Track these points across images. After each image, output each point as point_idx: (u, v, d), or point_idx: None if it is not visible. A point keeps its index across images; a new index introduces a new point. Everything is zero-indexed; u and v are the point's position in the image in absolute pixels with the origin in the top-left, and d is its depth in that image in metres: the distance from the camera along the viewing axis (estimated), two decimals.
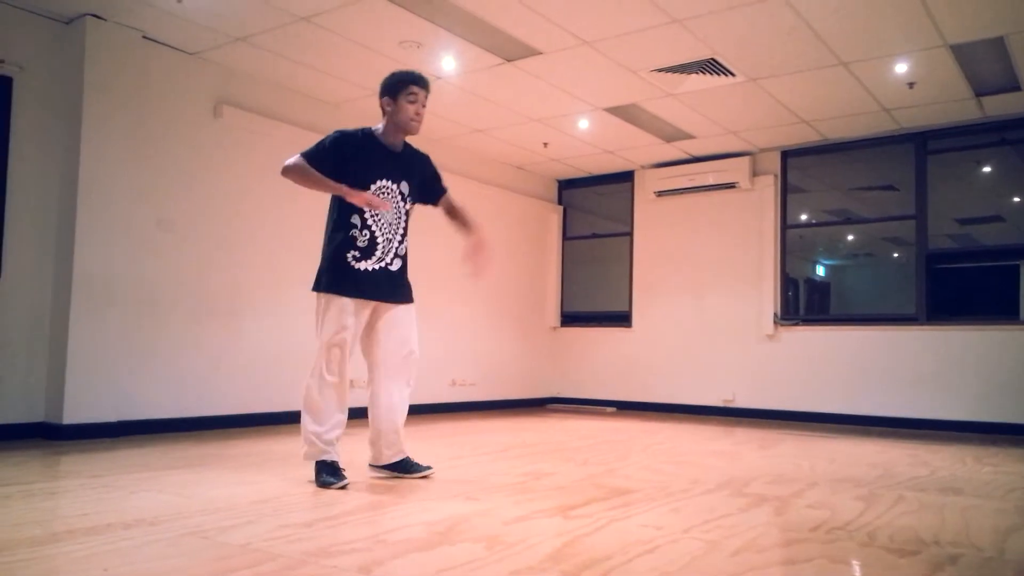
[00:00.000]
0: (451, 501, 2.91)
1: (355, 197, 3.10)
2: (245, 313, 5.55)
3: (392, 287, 3.27)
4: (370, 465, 3.41)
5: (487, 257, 3.38)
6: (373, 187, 3.20)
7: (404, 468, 3.37)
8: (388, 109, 3.27)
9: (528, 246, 8.48)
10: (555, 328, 8.72)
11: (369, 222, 3.19)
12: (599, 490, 3.22)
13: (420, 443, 4.73)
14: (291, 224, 5.76)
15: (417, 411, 6.79)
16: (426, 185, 3.45)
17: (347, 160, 3.18)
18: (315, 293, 3.21)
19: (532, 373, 8.43)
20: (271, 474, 3.43)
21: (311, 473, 3.25)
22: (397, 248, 3.29)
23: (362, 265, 3.17)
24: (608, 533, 2.43)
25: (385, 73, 3.37)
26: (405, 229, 3.34)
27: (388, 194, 3.24)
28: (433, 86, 5.73)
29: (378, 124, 3.34)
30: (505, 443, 4.92)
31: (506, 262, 8.14)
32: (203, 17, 4.71)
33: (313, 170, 3.13)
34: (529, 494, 3.09)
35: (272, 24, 4.79)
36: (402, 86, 3.24)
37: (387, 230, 3.24)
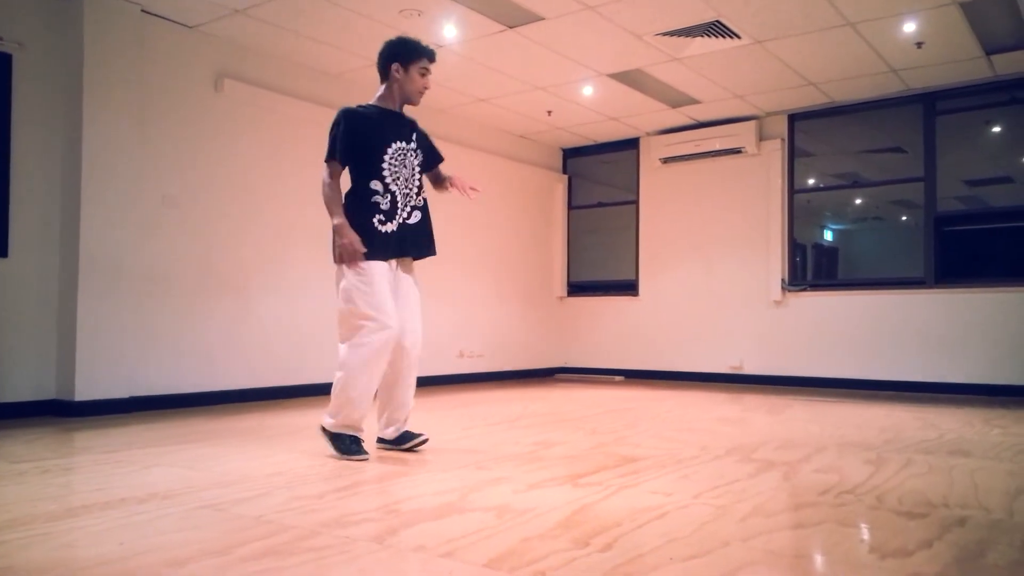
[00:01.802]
0: (461, 471, 2.93)
1: (347, 252, 3.12)
2: (253, 287, 5.56)
3: (414, 240, 3.32)
4: (379, 439, 3.41)
5: (468, 180, 3.49)
6: (390, 150, 3.24)
7: (403, 439, 3.37)
8: (397, 76, 3.29)
9: (533, 216, 8.44)
10: (562, 298, 8.71)
11: (389, 184, 3.24)
12: (608, 458, 3.24)
13: (429, 414, 4.76)
14: (297, 197, 5.74)
15: (425, 383, 6.85)
16: (426, 147, 3.46)
17: (360, 134, 3.21)
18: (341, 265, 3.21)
19: (539, 343, 8.44)
20: (282, 447, 3.46)
21: (323, 445, 3.27)
22: (415, 201, 3.34)
23: (386, 228, 3.22)
24: (618, 500, 2.44)
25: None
26: (420, 182, 3.39)
27: (404, 154, 3.29)
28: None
29: (376, 92, 3.35)
30: (514, 413, 4.95)
31: (512, 233, 8.12)
32: None
33: (335, 197, 3.19)
34: (539, 463, 3.11)
35: None
36: (416, 57, 3.28)
37: (404, 186, 3.29)
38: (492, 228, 7.85)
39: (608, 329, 8.35)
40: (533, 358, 8.35)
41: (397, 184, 3.26)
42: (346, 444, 3.16)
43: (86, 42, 4.64)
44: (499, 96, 6.77)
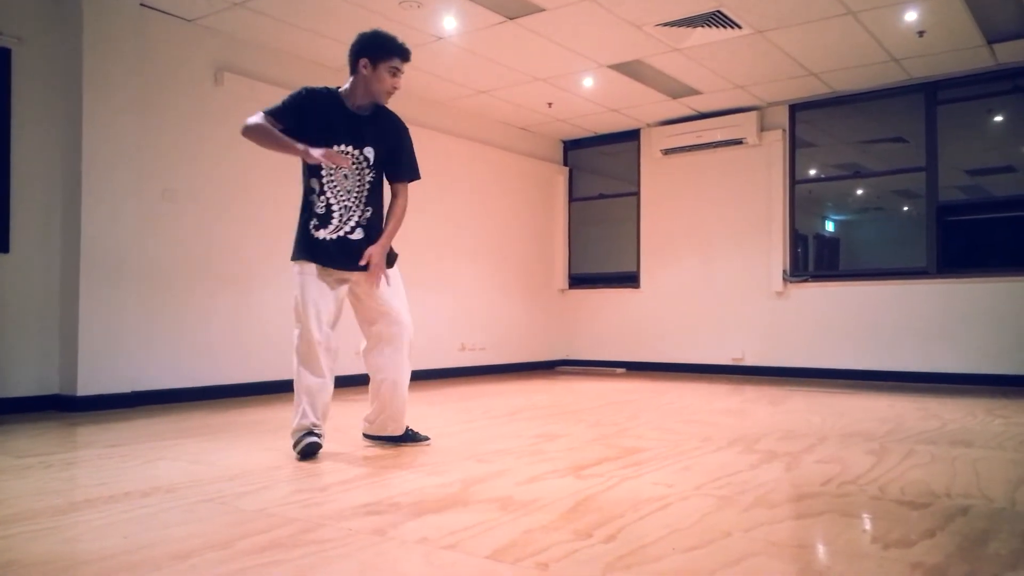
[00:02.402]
0: (464, 463, 2.93)
1: (310, 156, 2.90)
2: (254, 281, 5.56)
3: (354, 257, 3.07)
4: (365, 435, 3.37)
5: (375, 269, 3.10)
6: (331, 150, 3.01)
7: (405, 439, 3.33)
8: (364, 72, 3.06)
9: (534, 208, 8.43)
10: (563, 290, 8.71)
11: (325, 189, 3.03)
12: (610, 450, 3.24)
13: (431, 408, 4.77)
14: (297, 190, 5.72)
15: (426, 376, 6.87)
16: (392, 156, 3.19)
17: (308, 118, 3.02)
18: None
19: (541, 336, 8.45)
20: (284, 441, 3.46)
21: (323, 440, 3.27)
22: (359, 217, 3.09)
23: (321, 234, 3.05)
24: (620, 491, 2.45)
25: None
26: (370, 197, 3.12)
27: (349, 160, 3.05)
28: (434, 47, 5.72)
29: (345, 84, 3.13)
30: (516, 406, 4.95)
31: (513, 225, 8.11)
32: None
33: (272, 129, 2.97)
34: (541, 455, 3.12)
35: None
36: (387, 55, 3.05)
37: (344, 197, 3.06)
38: (493, 221, 7.84)
39: (609, 321, 8.35)
40: (534, 351, 8.35)
41: (334, 192, 3.04)
42: (299, 440, 3.05)
43: (85, 36, 4.63)
44: (499, 88, 6.75)
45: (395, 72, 3.10)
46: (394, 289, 3.21)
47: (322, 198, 3.05)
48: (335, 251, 3.07)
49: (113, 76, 4.75)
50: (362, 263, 3.07)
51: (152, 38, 5.02)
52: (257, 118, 3.02)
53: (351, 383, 5.11)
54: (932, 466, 2.89)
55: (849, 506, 2.28)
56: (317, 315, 3.05)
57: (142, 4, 4.92)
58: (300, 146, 2.94)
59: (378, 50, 3.06)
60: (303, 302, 3.06)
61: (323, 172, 3.03)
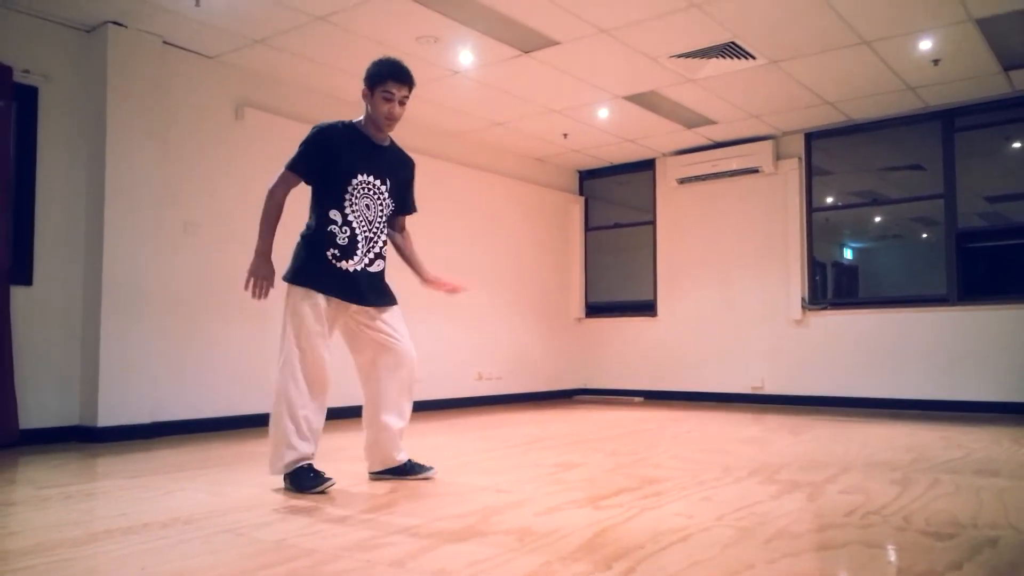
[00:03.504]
0: (482, 493, 2.91)
1: (248, 275, 3.03)
2: (274, 312, 5.58)
3: (374, 290, 3.08)
4: (371, 473, 3.22)
5: (450, 282, 3.28)
6: (355, 181, 3.01)
7: (408, 470, 3.21)
8: (364, 100, 3.06)
9: (551, 238, 8.46)
10: (580, 319, 8.70)
11: (350, 219, 3.01)
12: (629, 480, 3.21)
13: (448, 437, 4.75)
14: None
15: (443, 406, 6.85)
16: (403, 189, 3.23)
17: (327, 155, 3.01)
18: (287, 284, 3.02)
19: (558, 365, 8.42)
20: None
21: (343, 469, 3.26)
22: (379, 248, 3.12)
23: (343, 265, 3.00)
24: (640, 522, 2.42)
25: None
26: (384, 227, 3.15)
27: (370, 190, 3.06)
28: (450, 81, 5.79)
29: (360, 115, 3.15)
30: (533, 435, 4.92)
31: (529, 255, 8.14)
32: (221, 20, 4.75)
33: (274, 219, 3.03)
34: (559, 485, 3.09)
35: (290, 25, 4.81)
36: (378, 80, 3.00)
37: (367, 228, 3.06)
38: (509, 250, 7.87)
39: (627, 350, 8.31)
40: (551, 380, 8.32)
41: (358, 221, 3.02)
42: (307, 478, 2.93)
43: (109, 73, 4.74)
44: (515, 120, 6.82)
45: (388, 97, 3.00)
46: (400, 327, 3.17)
47: (345, 228, 3.01)
48: (360, 282, 3.03)
49: (136, 112, 4.85)
50: (444, 288, 3.27)
51: (174, 75, 5.13)
52: (279, 182, 3.04)
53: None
54: (958, 496, 2.83)
55: (873, 537, 2.24)
56: (321, 348, 2.99)
57: (165, 42, 5.03)
58: (264, 244, 3.05)
59: (372, 77, 3.03)
60: (310, 331, 2.96)
61: (346, 202, 3.01)
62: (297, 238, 3.13)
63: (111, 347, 4.66)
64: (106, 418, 4.61)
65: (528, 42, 5.14)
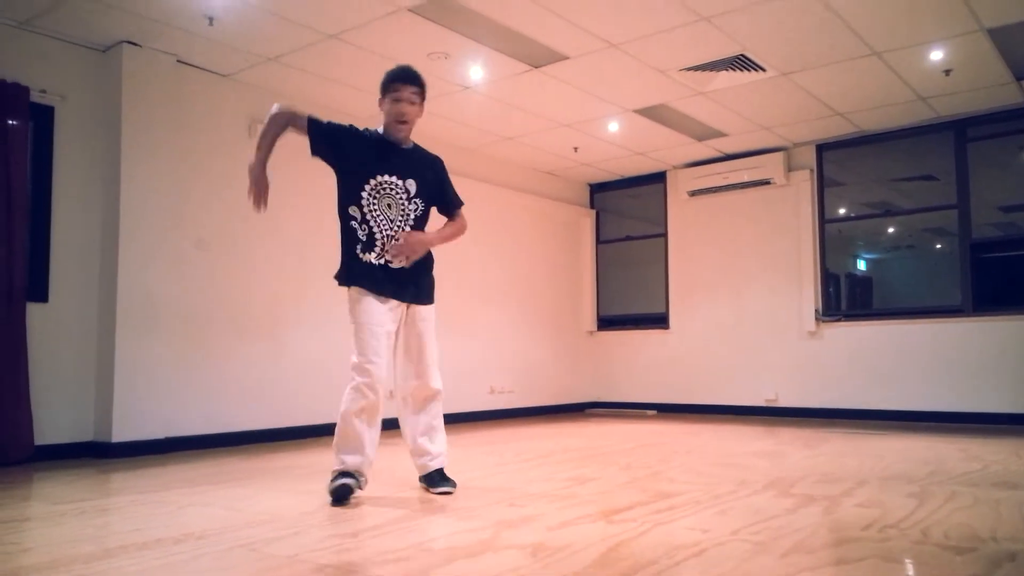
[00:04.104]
0: (495, 508, 2.90)
1: (251, 170, 3.07)
2: (286, 326, 5.62)
3: (399, 285, 3.13)
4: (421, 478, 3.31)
5: (403, 248, 3.13)
6: (373, 181, 3.07)
7: (430, 481, 3.26)
8: (381, 109, 3.18)
9: (562, 251, 8.46)
10: (592, 332, 8.68)
11: (367, 216, 3.08)
12: (643, 493, 3.19)
13: (461, 451, 4.74)
14: (327, 237, 5.80)
15: (456, 419, 6.84)
16: (439, 190, 3.29)
17: (348, 148, 3.11)
18: (344, 288, 3.15)
19: (570, 378, 8.40)
20: (317, 486, 3.46)
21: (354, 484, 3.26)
22: None
23: (367, 257, 3.09)
24: (653, 537, 2.40)
25: None
26: (414, 228, 3.17)
27: (392, 189, 3.10)
28: (461, 96, 5.82)
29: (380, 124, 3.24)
30: (546, 449, 4.91)
31: (541, 268, 8.14)
32: (234, 39, 4.80)
33: (281, 128, 3.08)
34: (572, 499, 3.08)
35: (302, 43, 4.86)
36: (387, 84, 3.13)
37: (387, 226, 3.10)
38: (521, 264, 7.88)
39: (639, 363, 8.28)
40: (564, 393, 8.30)
41: (376, 221, 3.08)
42: (333, 480, 3.04)
43: (124, 92, 4.79)
44: (526, 134, 6.84)
45: (396, 98, 3.09)
46: (430, 341, 3.22)
47: (364, 226, 3.09)
48: (386, 276, 3.09)
49: (150, 130, 4.90)
50: (394, 248, 3.07)
51: (188, 93, 5.19)
52: (288, 110, 3.09)
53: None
54: (976, 509, 2.80)
55: (891, 551, 2.22)
56: (381, 338, 3.04)
57: (179, 61, 5.09)
58: (259, 158, 3.05)
59: (382, 84, 3.16)
60: (366, 323, 3.03)
61: (363, 200, 3.08)
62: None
63: (125, 363, 4.69)
64: (120, 433, 4.63)
65: (538, 57, 5.17)
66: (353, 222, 3.10)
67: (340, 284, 3.16)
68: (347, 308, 3.14)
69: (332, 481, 3.05)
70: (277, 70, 5.28)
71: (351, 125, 3.20)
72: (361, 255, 3.09)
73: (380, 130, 3.22)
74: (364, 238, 3.09)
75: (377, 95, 3.19)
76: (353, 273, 3.10)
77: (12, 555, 2.29)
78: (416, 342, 3.20)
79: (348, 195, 3.11)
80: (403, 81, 3.11)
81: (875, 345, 6.82)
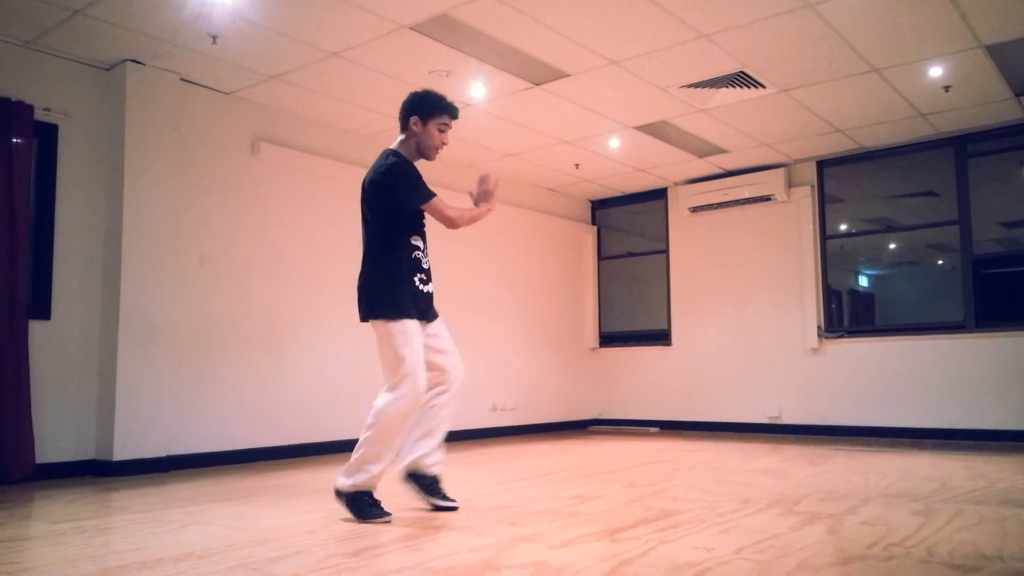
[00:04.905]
0: (497, 527, 2.89)
1: (485, 209, 3.27)
2: (288, 345, 5.62)
3: (431, 307, 3.28)
4: (401, 470, 3.26)
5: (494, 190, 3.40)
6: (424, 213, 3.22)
7: (430, 489, 3.23)
8: (415, 129, 3.19)
9: (564, 268, 8.47)
10: (594, 349, 8.67)
11: (424, 246, 3.21)
12: (646, 512, 3.18)
13: (463, 469, 4.72)
14: (330, 255, 5.83)
15: (458, 437, 6.81)
16: None
17: None
18: (385, 321, 3.04)
19: (572, 395, 8.38)
20: (318, 504, 3.45)
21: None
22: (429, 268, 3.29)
23: (427, 288, 3.19)
24: (657, 556, 2.39)
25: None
26: None
27: (424, 217, 3.25)
28: (462, 113, 5.82)
29: (394, 143, 3.24)
30: (548, 467, 4.89)
31: (543, 285, 8.14)
32: (237, 57, 4.83)
33: (465, 216, 3.20)
34: (575, 518, 3.06)
35: (304, 61, 4.89)
36: (437, 112, 3.20)
37: (427, 250, 3.24)
38: (523, 281, 7.88)
39: (641, 380, 8.26)
40: (566, 410, 8.27)
41: (425, 250, 3.21)
42: (366, 507, 3.02)
43: (128, 110, 4.82)
44: (527, 151, 6.87)
45: (444, 128, 3.23)
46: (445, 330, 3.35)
47: (425, 253, 3.20)
48: (428, 304, 3.20)
49: (154, 148, 4.92)
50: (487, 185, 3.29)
51: (191, 110, 5.21)
52: (444, 206, 3.16)
53: None
54: (981, 527, 2.78)
55: (896, 570, 2.20)
56: (422, 371, 3.10)
57: (182, 79, 5.12)
58: (482, 207, 3.27)
59: (429, 108, 3.21)
60: (414, 358, 3.05)
61: (424, 230, 3.21)
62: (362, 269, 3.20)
63: (127, 381, 4.68)
64: (122, 452, 4.62)
65: (539, 74, 5.19)
66: (418, 252, 3.16)
67: (386, 318, 3.05)
68: (373, 336, 3.11)
69: (371, 507, 3.02)
70: (280, 88, 5.32)
71: (409, 164, 3.18)
72: (421, 286, 3.15)
73: (394, 148, 3.22)
74: (427, 265, 3.19)
75: (410, 109, 3.22)
76: (404, 306, 3.06)
77: None
78: (435, 347, 3.27)
79: (411, 226, 3.17)
80: (452, 116, 3.25)
81: (878, 361, 6.80)
